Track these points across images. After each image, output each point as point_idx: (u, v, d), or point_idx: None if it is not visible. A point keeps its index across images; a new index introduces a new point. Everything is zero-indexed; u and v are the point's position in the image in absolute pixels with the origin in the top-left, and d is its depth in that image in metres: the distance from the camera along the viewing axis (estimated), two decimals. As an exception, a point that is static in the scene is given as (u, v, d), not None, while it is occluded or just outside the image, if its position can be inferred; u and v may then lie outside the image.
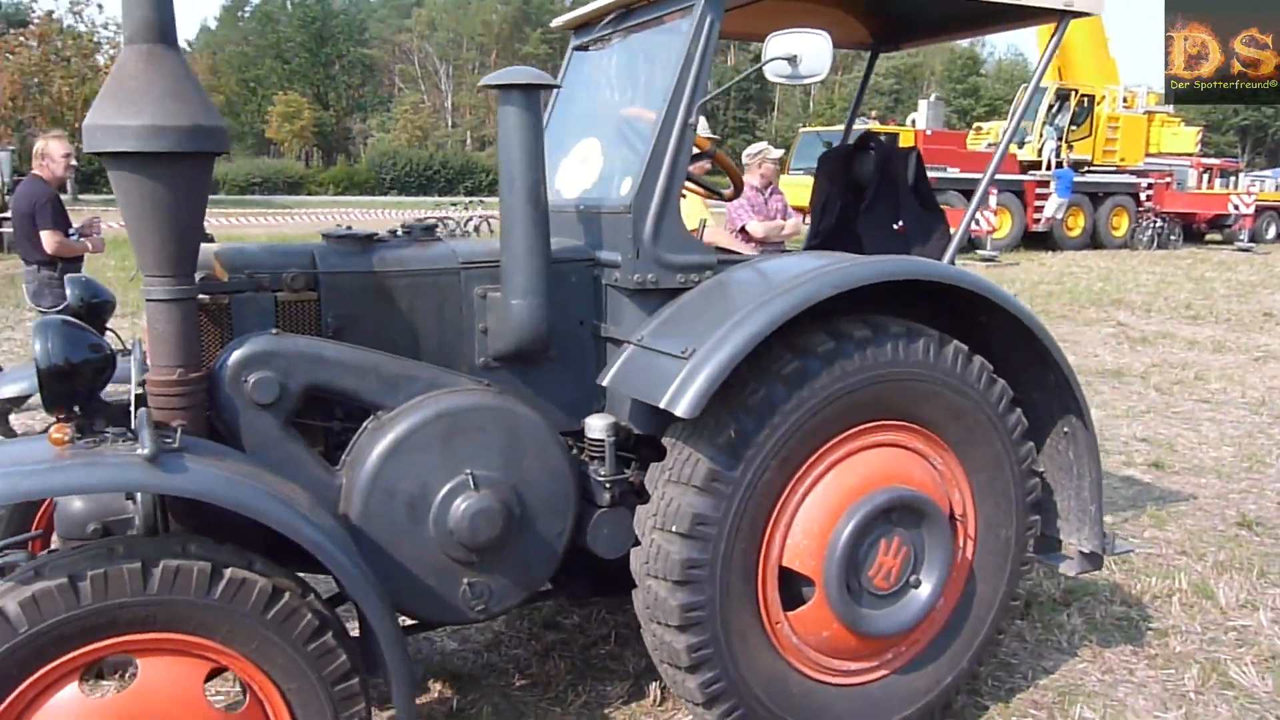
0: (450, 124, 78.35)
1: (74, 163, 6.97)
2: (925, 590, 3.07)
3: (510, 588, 2.96)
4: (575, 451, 3.10)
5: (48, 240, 6.48)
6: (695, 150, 3.53)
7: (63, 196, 6.91)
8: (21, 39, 39.16)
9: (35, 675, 2.12)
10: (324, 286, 2.90)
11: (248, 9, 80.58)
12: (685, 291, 3.06)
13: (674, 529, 2.76)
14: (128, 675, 2.24)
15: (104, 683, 3.03)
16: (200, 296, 2.75)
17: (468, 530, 2.78)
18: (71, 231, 6.68)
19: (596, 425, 3.03)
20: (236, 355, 2.66)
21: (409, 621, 3.01)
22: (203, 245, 2.86)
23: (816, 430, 2.87)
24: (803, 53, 2.85)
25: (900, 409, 3.02)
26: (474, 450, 2.84)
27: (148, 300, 2.54)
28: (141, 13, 2.40)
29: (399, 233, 3.20)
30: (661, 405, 2.67)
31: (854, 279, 2.85)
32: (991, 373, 3.13)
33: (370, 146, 69.42)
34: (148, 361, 2.59)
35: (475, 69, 76.30)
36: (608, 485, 3.00)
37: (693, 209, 5.71)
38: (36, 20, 41.09)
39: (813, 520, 2.93)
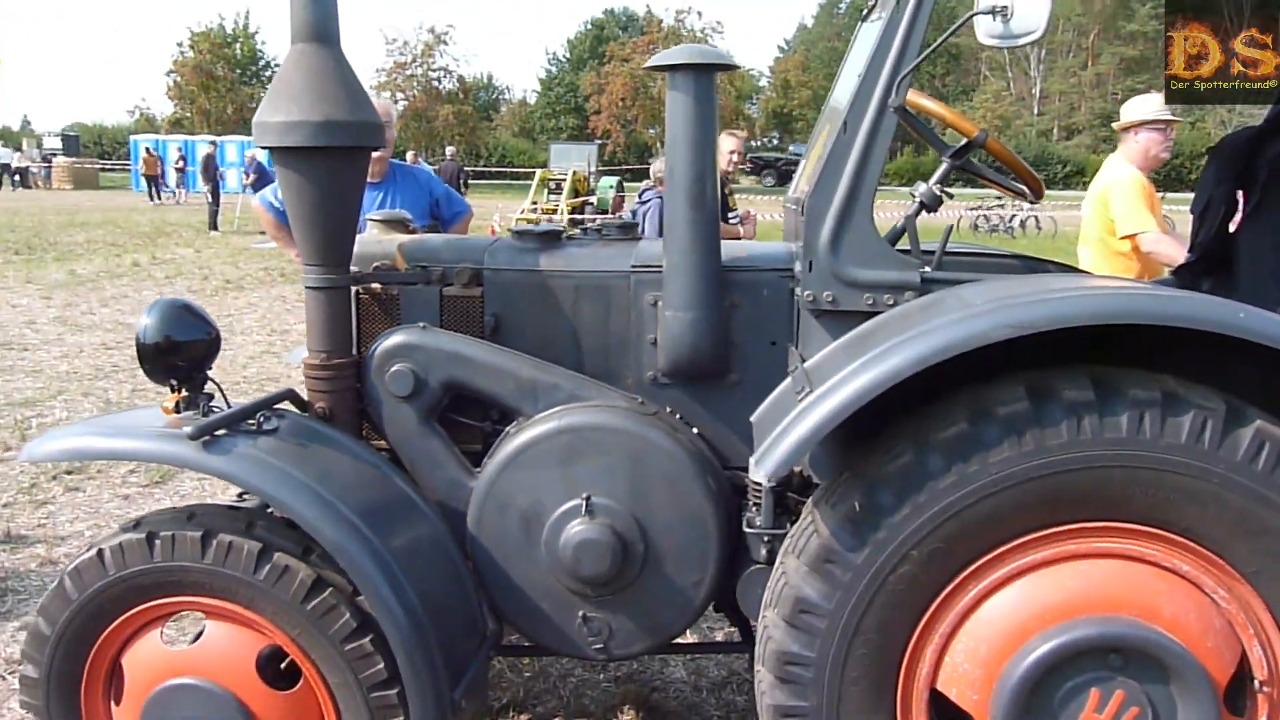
0: (1035, 111, 73.82)
1: (736, 159, 7.11)
2: (1172, 775, 2.10)
3: (634, 632, 2.64)
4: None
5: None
6: (964, 140, 2.79)
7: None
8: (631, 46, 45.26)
9: (125, 615, 2.38)
10: (487, 283, 2.82)
11: (843, 5, 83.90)
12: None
13: (777, 612, 2.23)
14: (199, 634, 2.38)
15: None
16: (373, 285, 2.86)
17: (572, 559, 2.53)
18: (732, 216, 7.10)
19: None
20: (383, 346, 2.72)
21: (525, 644, 2.85)
22: (398, 236, 2.98)
23: (991, 520, 2.09)
24: (1014, 3, 2.07)
25: (1152, 512, 2.08)
26: (595, 473, 2.57)
27: (305, 287, 2.70)
28: (304, 14, 2.52)
29: (596, 230, 3.01)
30: (750, 464, 2.16)
31: (1049, 318, 2.01)
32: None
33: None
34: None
35: (1070, 52, 70.85)
36: (765, 539, 2.52)
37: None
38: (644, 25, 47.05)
39: (982, 641, 2.15)
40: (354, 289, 2.84)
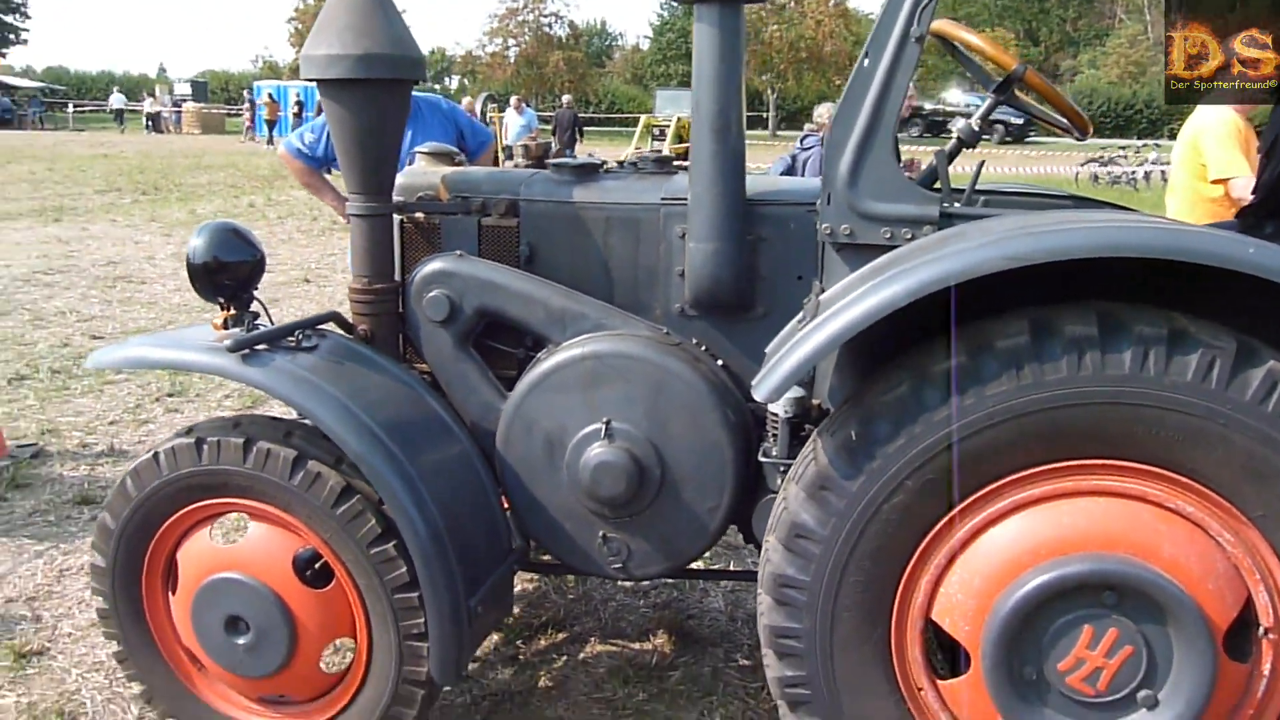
0: (1173, 58, 69.32)
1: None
2: (1165, 716, 2.09)
3: (651, 554, 2.74)
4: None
5: None
6: (1002, 74, 2.72)
7: None
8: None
9: (179, 513, 2.59)
10: (523, 214, 2.91)
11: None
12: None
13: (776, 536, 2.28)
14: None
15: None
16: (417, 215, 2.98)
17: (590, 480, 2.63)
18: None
19: (777, 397, 2.59)
20: (421, 272, 2.84)
21: (551, 561, 2.97)
22: (442, 168, 3.09)
23: (988, 453, 2.09)
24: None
25: (1155, 452, 2.05)
26: (615, 399, 2.65)
27: (349, 214, 2.84)
28: (350, -48, 2.62)
29: (633, 164, 3.05)
30: (751, 387, 2.20)
31: (1046, 250, 1.98)
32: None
33: (1073, 85, 65.02)
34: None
35: (1215, -8, 66.03)
36: (780, 469, 2.57)
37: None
38: None
39: (975, 573, 2.16)
40: (399, 218, 2.98)
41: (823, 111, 8.20)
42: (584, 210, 2.86)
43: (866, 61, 2.39)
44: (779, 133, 45.20)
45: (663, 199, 2.80)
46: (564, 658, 3.35)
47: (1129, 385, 2.00)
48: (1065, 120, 2.82)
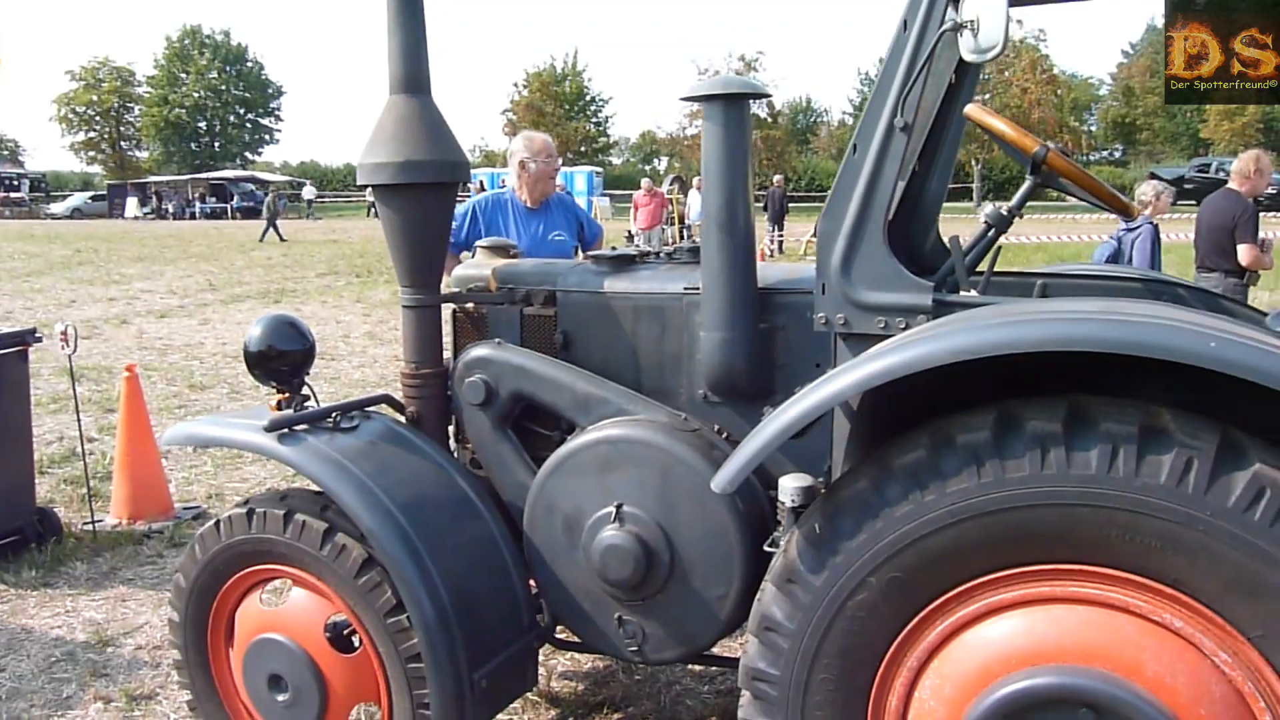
0: None
1: (1274, 178, 7.67)
2: None
3: (664, 638, 2.76)
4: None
5: (1244, 254, 7.15)
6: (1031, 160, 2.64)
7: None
8: None
9: (236, 575, 2.86)
10: (560, 303, 3.06)
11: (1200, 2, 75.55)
12: None
13: (749, 628, 2.27)
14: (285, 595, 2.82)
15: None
16: (468, 304, 3.20)
17: (600, 563, 2.71)
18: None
19: (786, 485, 2.57)
20: (464, 359, 3.04)
21: (574, 640, 3.03)
22: (496, 260, 3.31)
23: (953, 553, 2.01)
24: (979, 19, 1.99)
25: (1133, 559, 1.90)
26: (627, 483, 2.72)
27: (402, 305, 3.09)
28: (398, 69, 2.92)
29: (669, 254, 3.15)
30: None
31: (995, 343, 1.90)
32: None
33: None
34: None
35: None
36: (787, 557, 2.55)
37: None
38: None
39: (948, 679, 2.06)
40: (453, 307, 3.20)
41: (1147, 190, 8.07)
42: (614, 300, 2.98)
43: (855, 152, 2.41)
44: (983, 203, 43.80)
45: (685, 289, 2.88)
46: (613, 739, 3.38)
47: (1097, 486, 1.88)
48: (1105, 205, 2.69)
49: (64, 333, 4.88)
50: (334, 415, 2.81)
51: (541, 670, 3.73)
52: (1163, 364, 1.84)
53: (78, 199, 54.40)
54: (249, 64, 71.06)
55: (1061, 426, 1.91)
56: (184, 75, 68.43)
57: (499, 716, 3.42)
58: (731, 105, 2.61)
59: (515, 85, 62.83)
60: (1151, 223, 7.73)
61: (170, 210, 50.30)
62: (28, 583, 4.67)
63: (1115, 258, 7.81)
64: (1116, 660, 1.92)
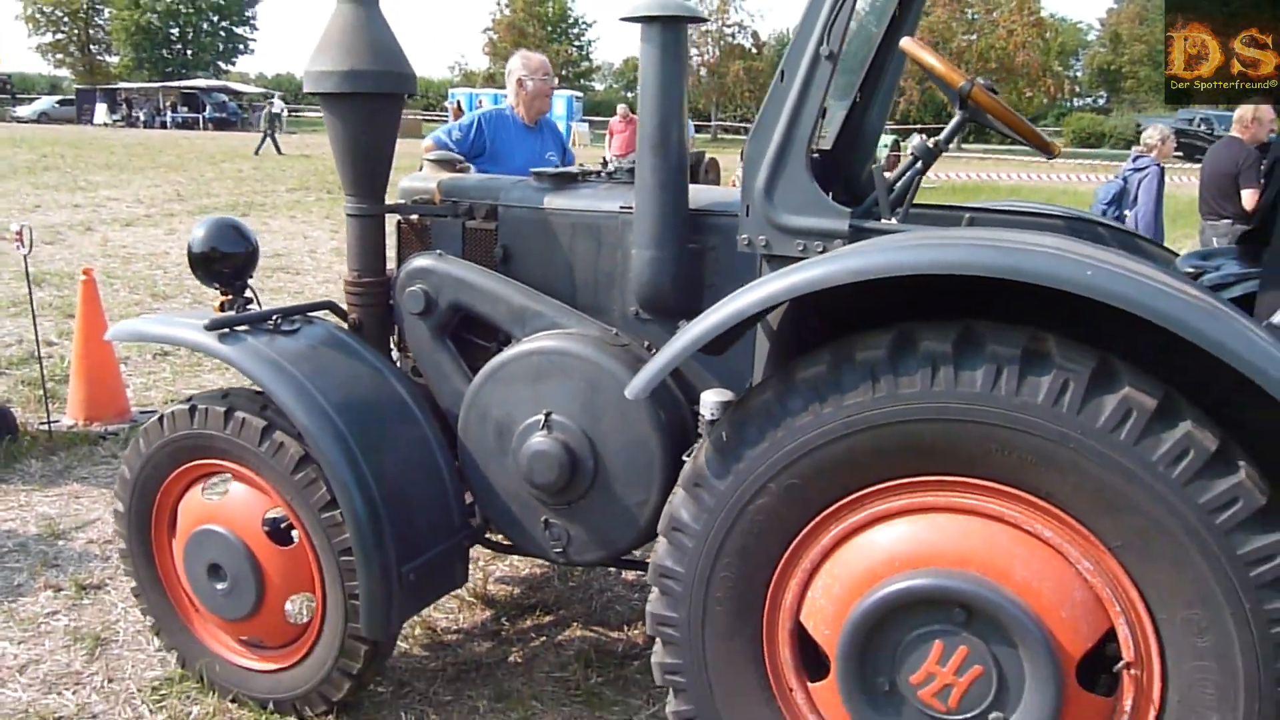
0: None
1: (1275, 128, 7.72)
2: (1015, 742, 2.07)
3: (587, 542, 2.90)
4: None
5: (1249, 199, 7.30)
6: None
7: None
8: None
9: (178, 470, 2.96)
10: (501, 218, 3.13)
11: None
12: None
13: (660, 527, 2.40)
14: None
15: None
16: (413, 216, 3.26)
17: (527, 467, 2.82)
18: None
19: (707, 399, 2.68)
20: (405, 269, 3.12)
21: (504, 541, 3.17)
22: (442, 174, 3.36)
23: (847, 462, 2.14)
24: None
25: (1010, 473, 2.04)
26: (556, 393, 2.83)
27: (346, 214, 3.14)
28: (346, -26, 2.93)
29: (609, 173, 3.21)
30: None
31: (887, 265, 2.01)
32: (1220, 457, 1.88)
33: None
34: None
35: None
36: (703, 467, 2.68)
37: None
38: None
39: (837, 579, 2.21)
40: (399, 218, 3.27)
41: (1153, 134, 8.22)
42: (553, 216, 3.06)
43: (783, 79, 2.47)
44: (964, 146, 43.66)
45: (620, 207, 2.95)
46: (542, 638, 3.55)
47: (981, 403, 2.00)
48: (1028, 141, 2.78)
49: (18, 233, 4.89)
50: (275, 318, 2.88)
51: (479, 575, 3.90)
52: (1063, 294, 1.95)
53: (45, 103, 52.92)
54: (223, -32, 68.89)
55: (951, 347, 2.03)
56: (156, -23, 66.23)
57: (437, 618, 3.60)
58: (668, 27, 2.65)
59: (498, 3, 61.47)
60: (1158, 165, 7.93)
61: (140, 118, 49.08)
62: (-18, 477, 4.76)
63: (1119, 197, 8.00)
64: (989, 565, 2.07)
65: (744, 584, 2.30)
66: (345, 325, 3.18)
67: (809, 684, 2.32)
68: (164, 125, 48.71)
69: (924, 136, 3.51)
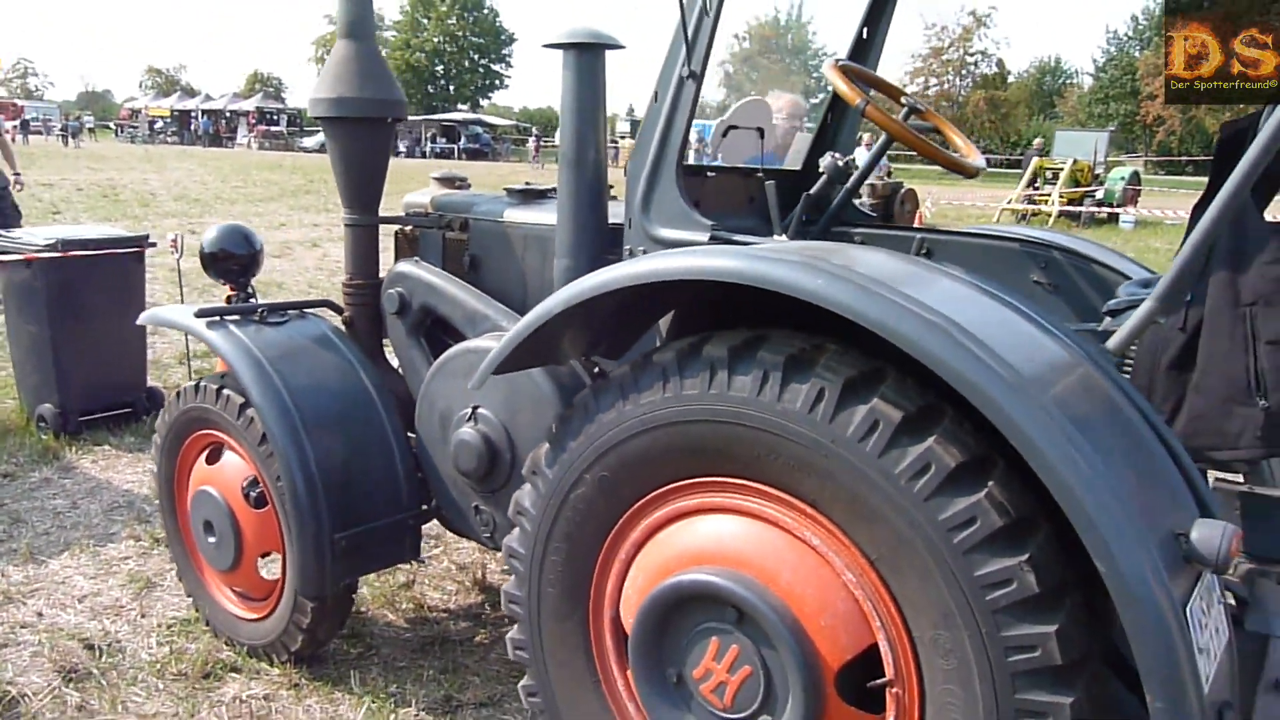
0: None
1: None
2: (780, 745, 2.10)
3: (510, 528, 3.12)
4: None
5: None
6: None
7: None
8: None
9: (190, 438, 3.47)
10: (471, 229, 3.44)
11: None
12: None
13: (509, 512, 2.60)
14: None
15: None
16: (407, 227, 3.64)
17: (454, 455, 3.10)
18: None
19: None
20: (388, 273, 3.49)
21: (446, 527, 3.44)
22: (442, 190, 3.72)
23: (645, 459, 2.26)
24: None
25: (779, 478, 2.09)
26: (484, 389, 3.08)
27: (343, 224, 3.56)
28: (347, 15, 3.37)
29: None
30: None
31: (651, 272, 2.13)
32: (962, 473, 1.87)
33: None
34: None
35: None
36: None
37: None
38: None
39: (642, 572, 2.33)
40: (397, 229, 3.66)
41: None
42: (510, 229, 3.34)
43: (656, 99, 2.63)
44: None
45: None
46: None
47: (747, 408, 2.07)
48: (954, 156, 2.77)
49: (174, 240, 5.73)
50: (261, 310, 3.33)
51: (480, 562, 4.20)
52: None
53: (325, 134, 59.34)
54: (485, 11, 74.59)
55: (728, 352, 2.11)
56: (425, 21, 72.70)
57: (433, 596, 3.92)
58: (584, 54, 2.86)
59: (735, 37, 62.67)
60: None
61: (402, 149, 54.00)
62: (126, 446, 5.60)
63: None
64: (760, 568, 2.13)
65: (571, 569, 2.45)
66: (340, 322, 3.59)
67: (628, 672, 2.44)
68: (423, 155, 53.25)
69: (835, 155, 3.38)
